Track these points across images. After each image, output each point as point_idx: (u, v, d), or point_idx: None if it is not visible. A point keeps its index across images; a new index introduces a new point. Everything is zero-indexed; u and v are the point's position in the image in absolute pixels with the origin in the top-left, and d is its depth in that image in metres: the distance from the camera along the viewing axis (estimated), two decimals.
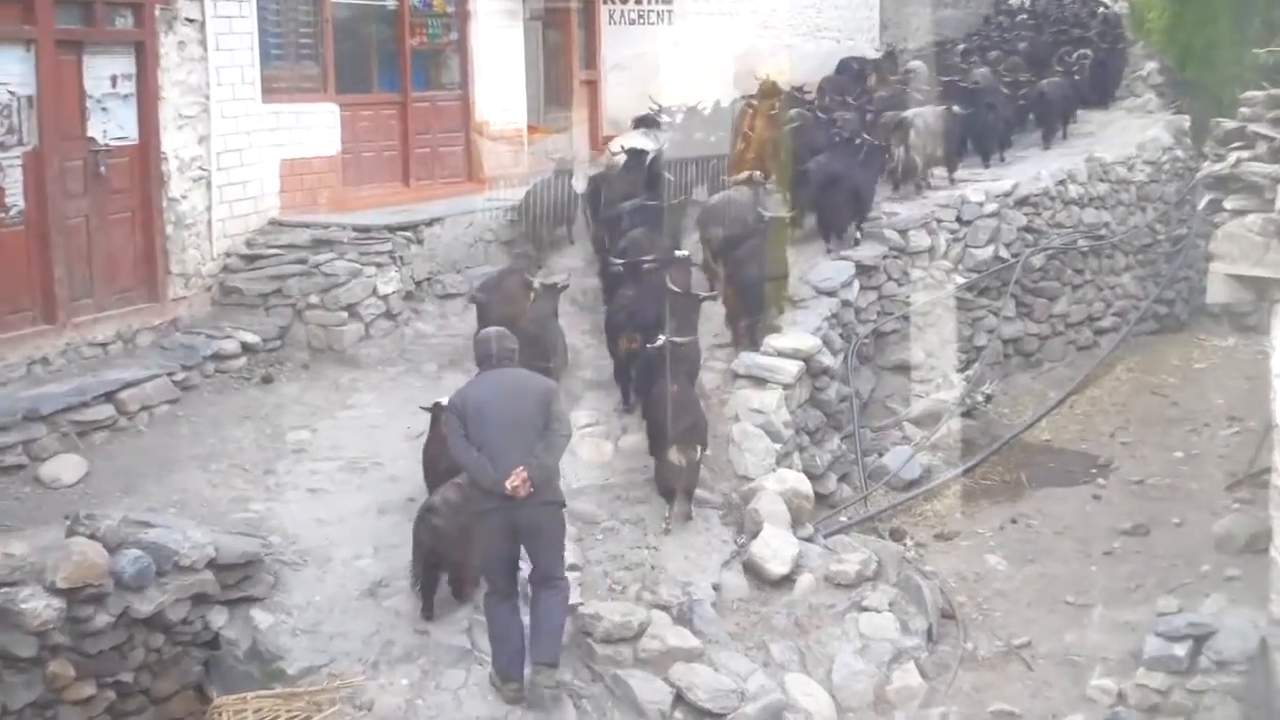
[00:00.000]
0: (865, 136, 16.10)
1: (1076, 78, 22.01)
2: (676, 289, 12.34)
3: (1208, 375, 17.32)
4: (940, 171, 17.82)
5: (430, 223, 15.30)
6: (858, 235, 15.74)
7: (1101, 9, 27.74)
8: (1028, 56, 23.06)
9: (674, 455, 11.09)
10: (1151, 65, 24.66)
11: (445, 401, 9.87)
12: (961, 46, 25.47)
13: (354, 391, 13.19)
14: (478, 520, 8.97)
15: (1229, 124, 11.55)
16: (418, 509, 9.86)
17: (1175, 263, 19.45)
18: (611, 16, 21.06)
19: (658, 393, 11.37)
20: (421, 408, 10.89)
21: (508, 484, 8.62)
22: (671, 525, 11.11)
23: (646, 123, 18.23)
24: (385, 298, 14.33)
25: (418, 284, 14.91)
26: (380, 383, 13.41)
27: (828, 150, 15.96)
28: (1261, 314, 13.25)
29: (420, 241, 15.03)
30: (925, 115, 17.56)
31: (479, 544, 9.10)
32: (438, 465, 10.16)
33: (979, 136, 19.09)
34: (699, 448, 11.29)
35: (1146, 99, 23.42)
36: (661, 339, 11.55)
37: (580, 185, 16.61)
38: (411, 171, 16.85)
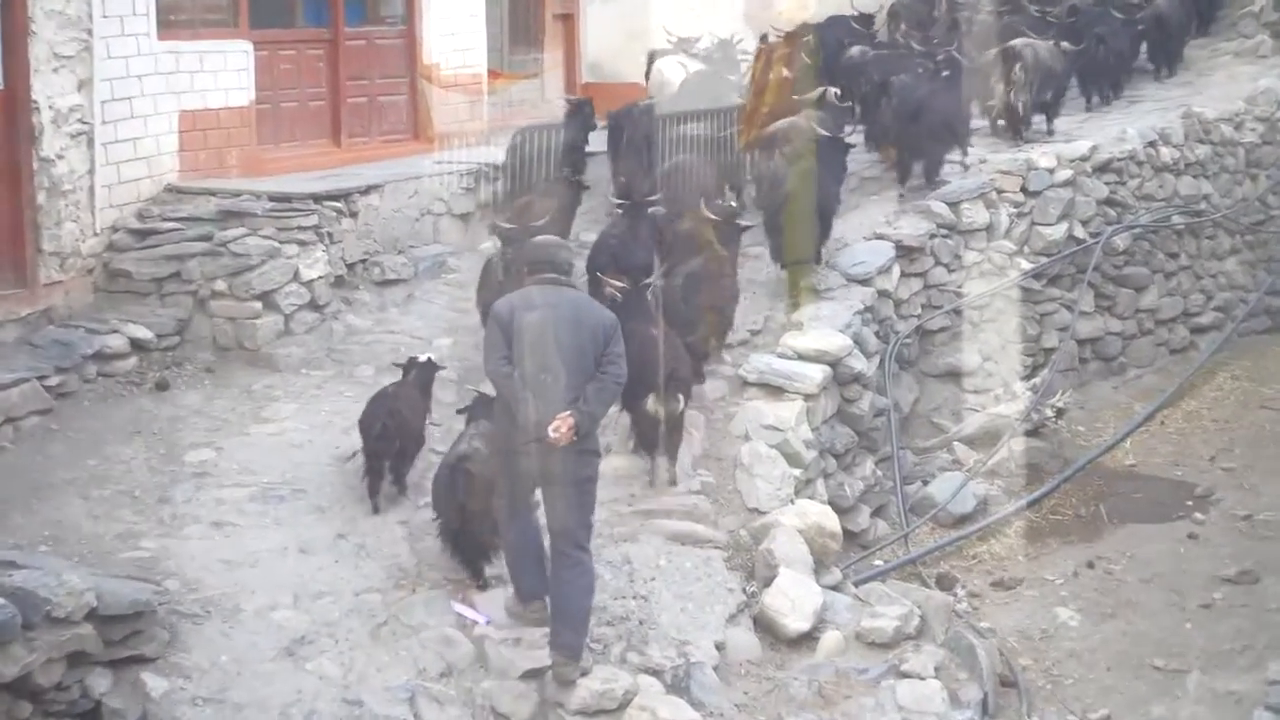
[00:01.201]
0: (954, 54, 17.23)
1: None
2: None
3: None
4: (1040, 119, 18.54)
5: (366, 191, 15.35)
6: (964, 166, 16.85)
7: None
8: None
9: (651, 405, 11.57)
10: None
11: (424, 359, 11.24)
12: None
13: (270, 401, 13.18)
14: (501, 460, 9.44)
15: None
16: (440, 464, 10.60)
17: None
18: None
19: (634, 337, 11.50)
20: (395, 364, 11.46)
21: (550, 430, 8.92)
22: (655, 484, 11.82)
23: (684, 45, 18.96)
24: (309, 284, 14.34)
25: (350, 267, 14.95)
26: (303, 390, 13.41)
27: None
28: None
29: (353, 214, 15.07)
30: (1037, 48, 18.13)
31: (505, 479, 9.49)
32: (410, 428, 11.16)
33: (1087, 74, 19.84)
34: (681, 398, 11.76)
35: (1259, 40, 23.45)
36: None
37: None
38: (343, 126, 16.96)
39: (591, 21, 20.96)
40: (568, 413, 8.97)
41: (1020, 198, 16.75)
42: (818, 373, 13.02)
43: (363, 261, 15.11)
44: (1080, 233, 17.08)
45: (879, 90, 17.72)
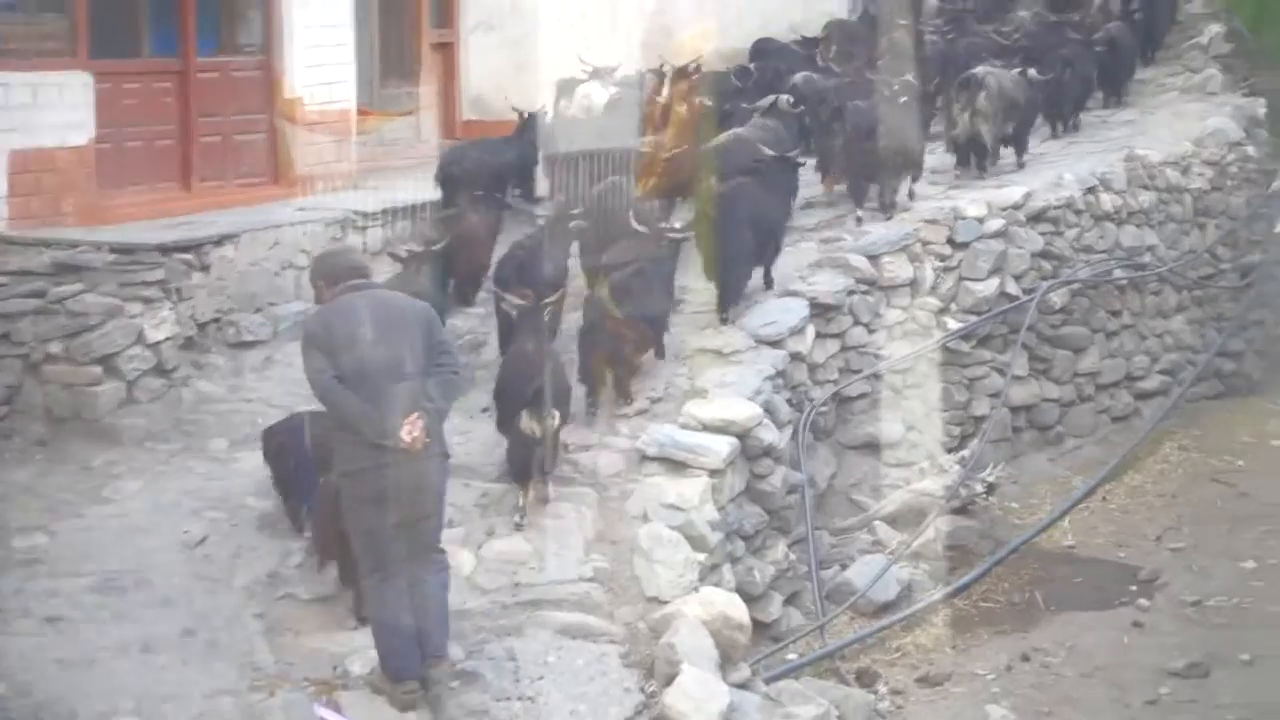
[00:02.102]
0: (908, 79, 18.07)
1: (1138, 16, 23.14)
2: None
3: None
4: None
5: (220, 241, 15.36)
6: (910, 195, 17.60)
7: None
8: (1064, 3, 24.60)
9: (525, 422, 12.09)
10: (1214, 29, 25.30)
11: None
12: None
13: (111, 478, 13.14)
14: (355, 482, 9.59)
15: None
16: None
17: (1245, 301, 19.99)
18: None
19: (511, 352, 12.94)
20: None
21: (404, 435, 9.26)
22: (526, 516, 12.15)
23: (601, 74, 19.43)
24: (156, 346, 14.34)
25: (201, 327, 14.94)
26: (148, 465, 13.37)
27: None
28: None
29: (205, 268, 15.09)
30: (1000, 77, 18.88)
31: (357, 513, 9.69)
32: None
33: (1052, 102, 20.73)
34: (557, 416, 12.24)
35: (1207, 75, 24.00)
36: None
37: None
38: (195, 169, 16.96)
39: (472, 51, 21.04)
40: (416, 414, 9.33)
41: (947, 250, 16.98)
42: (724, 446, 13.03)
43: (215, 321, 15.09)
44: (1013, 288, 17.31)
45: (831, 116, 18.38)
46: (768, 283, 15.82)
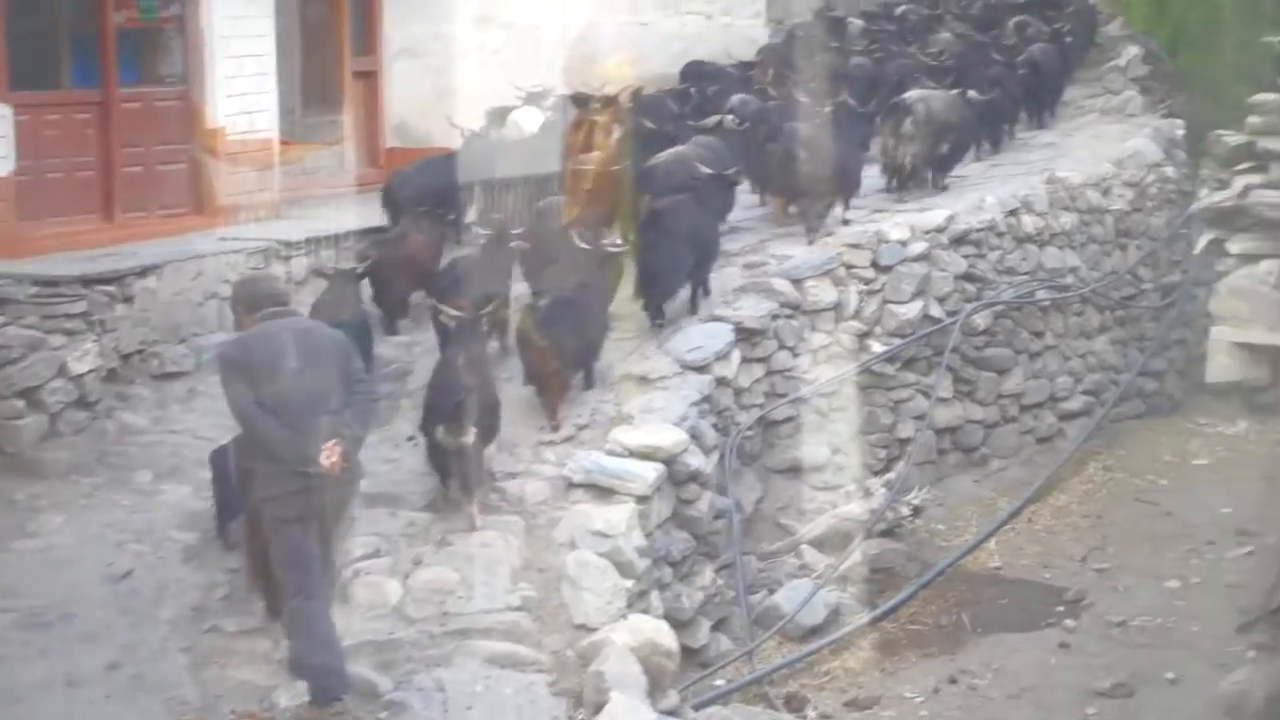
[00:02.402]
0: (844, 100, 18.91)
1: (1069, 40, 23.50)
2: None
3: (1211, 474, 17.85)
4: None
5: (143, 272, 15.30)
6: (846, 217, 17.90)
7: None
8: (978, 23, 25.12)
9: (440, 435, 12.56)
10: (1132, 52, 25.60)
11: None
12: (901, 9, 27.41)
13: (33, 512, 13.06)
14: (275, 506, 9.83)
15: (1233, 138, 12.00)
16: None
17: (1167, 321, 20.12)
18: None
19: (438, 364, 13.41)
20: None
21: (323, 460, 9.56)
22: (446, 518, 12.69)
23: (535, 99, 19.90)
24: (78, 379, 14.26)
25: (125, 359, 14.88)
26: (72, 499, 13.30)
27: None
28: None
29: (128, 299, 15.01)
30: (931, 100, 19.20)
31: (278, 536, 9.92)
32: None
33: (982, 122, 21.08)
34: (473, 431, 12.50)
35: (1127, 97, 24.25)
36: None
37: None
38: (116, 200, 16.85)
39: (396, 79, 21.03)
40: (334, 440, 9.60)
41: (870, 273, 17.01)
42: (651, 472, 13.08)
43: (139, 352, 15.02)
44: (936, 311, 17.37)
45: (768, 137, 18.65)
46: (694, 307, 15.91)
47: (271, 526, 9.97)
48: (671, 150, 17.67)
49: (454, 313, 13.58)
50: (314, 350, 9.86)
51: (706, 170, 16.58)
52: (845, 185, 18.28)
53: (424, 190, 17.88)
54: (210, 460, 12.44)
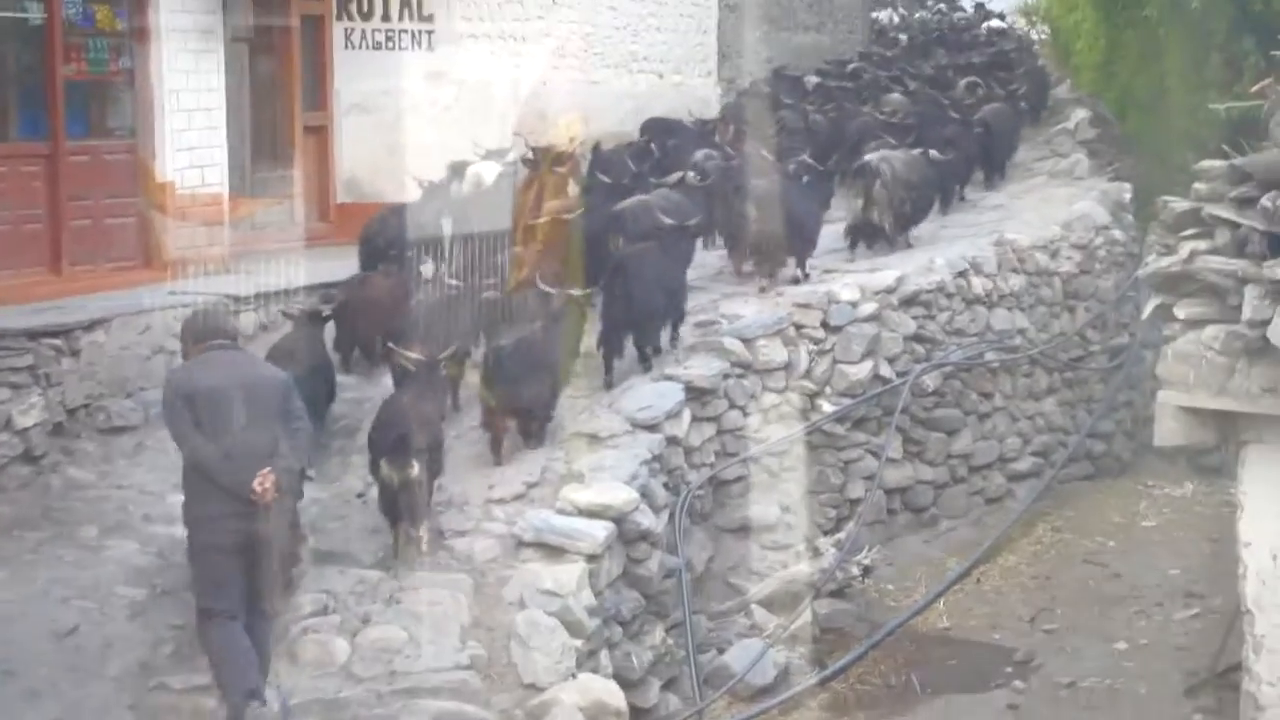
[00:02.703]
0: (806, 159, 19.20)
1: (1024, 105, 23.84)
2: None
3: (1159, 535, 17.92)
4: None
5: (90, 326, 15.19)
6: (799, 273, 18.33)
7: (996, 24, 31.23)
8: (933, 84, 25.52)
9: (384, 470, 12.89)
10: (1080, 115, 25.83)
11: None
12: (853, 66, 27.94)
13: None
14: (206, 528, 10.48)
15: (1180, 204, 12.09)
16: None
17: (1114, 383, 20.25)
18: (349, 38, 21.35)
19: (385, 401, 13.93)
20: None
21: (256, 486, 10.19)
22: (398, 560, 12.85)
23: (494, 155, 19.95)
24: (23, 433, 14.14)
25: (71, 413, 14.76)
26: (16, 554, 13.14)
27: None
28: (1228, 452, 13.79)
29: (75, 353, 14.92)
30: (893, 161, 19.48)
31: (203, 557, 10.58)
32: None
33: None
34: (416, 465, 12.81)
35: (1075, 160, 24.45)
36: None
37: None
38: (64, 253, 16.75)
39: (346, 135, 21.04)
40: (267, 469, 10.24)
41: (821, 334, 17.06)
42: (601, 531, 13.06)
43: (85, 406, 14.92)
44: (886, 371, 17.41)
45: (731, 194, 18.76)
46: (645, 366, 15.98)
47: (196, 547, 10.62)
48: (636, 198, 17.87)
49: (412, 356, 14.00)
50: (253, 383, 10.61)
51: (669, 221, 16.69)
52: (805, 243, 18.48)
53: (398, 236, 17.95)
54: None
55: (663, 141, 22.80)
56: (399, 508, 12.92)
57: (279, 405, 10.64)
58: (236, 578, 10.49)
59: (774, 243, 18.13)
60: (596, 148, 20.93)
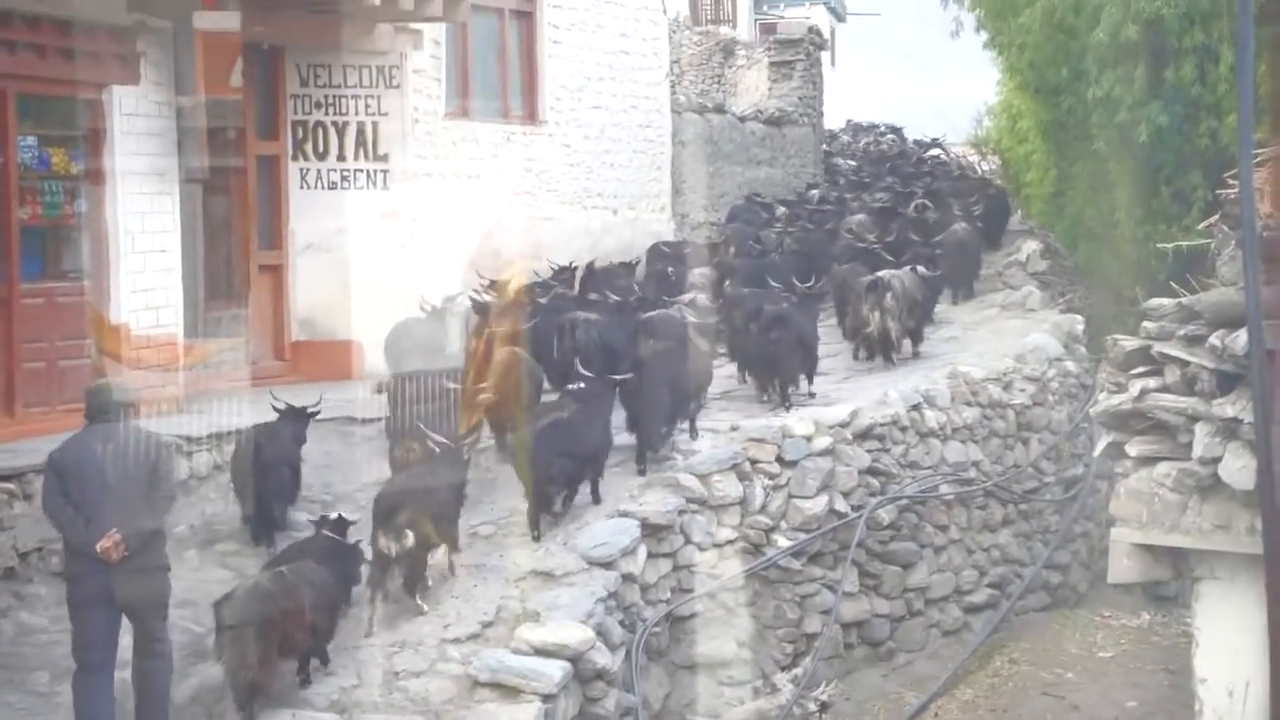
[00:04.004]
0: (796, 283, 20.55)
1: (980, 225, 24.47)
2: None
3: (1116, 667, 17.91)
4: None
5: (43, 469, 15.14)
6: (811, 389, 19.56)
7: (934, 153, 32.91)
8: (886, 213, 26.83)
9: (381, 541, 13.94)
10: (1032, 246, 26.10)
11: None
12: (815, 193, 30.96)
13: None
14: (70, 583, 11.92)
15: (1129, 342, 12.25)
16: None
17: (1069, 514, 20.34)
18: (304, 178, 21.46)
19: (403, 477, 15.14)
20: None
21: (99, 545, 11.44)
22: (372, 629, 13.72)
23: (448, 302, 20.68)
24: None
25: (23, 557, 14.70)
26: None
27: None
28: (1184, 584, 13.90)
29: (28, 496, 14.86)
30: (902, 278, 20.77)
31: (72, 609, 11.84)
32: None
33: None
34: (410, 535, 13.90)
35: (1027, 292, 24.67)
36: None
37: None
38: (18, 395, 16.79)
39: (301, 274, 21.13)
40: (114, 530, 11.43)
41: (776, 468, 17.14)
42: (557, 670, 13.06)
43: (38, 550, 14.83)
44: (841, 505, 17.47)
45: (749, 317, 20.01)
46: (595, 497, 16.21)
47: (70, 604, 11.87)
48: (659, 311, 19.26)
49: (439, 439, 15.44)
50: (123, 454, 11.84)
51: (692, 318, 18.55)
52: (813, 362, 19.90)
53: (421, 343, 18.99)
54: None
55: (664, 266, 24.28)
56: (386, 577, 14.01)
57: (144, 472, 11.89)
58: (101, 631, 11.71)
59: (788, 362, 19.26)
60: (590, 266, 22.72)
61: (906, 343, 21.84)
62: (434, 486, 14.73)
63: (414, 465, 15.63)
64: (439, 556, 14.78)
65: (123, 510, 11.59)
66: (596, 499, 16.06)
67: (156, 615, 11.99)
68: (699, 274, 22.81)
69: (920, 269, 22.25)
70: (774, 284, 21.15)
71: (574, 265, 22.93)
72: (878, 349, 21.48)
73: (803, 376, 19.58)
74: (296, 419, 16.48)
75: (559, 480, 15.72)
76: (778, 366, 19.41)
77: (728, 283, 22.74)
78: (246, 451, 16.01)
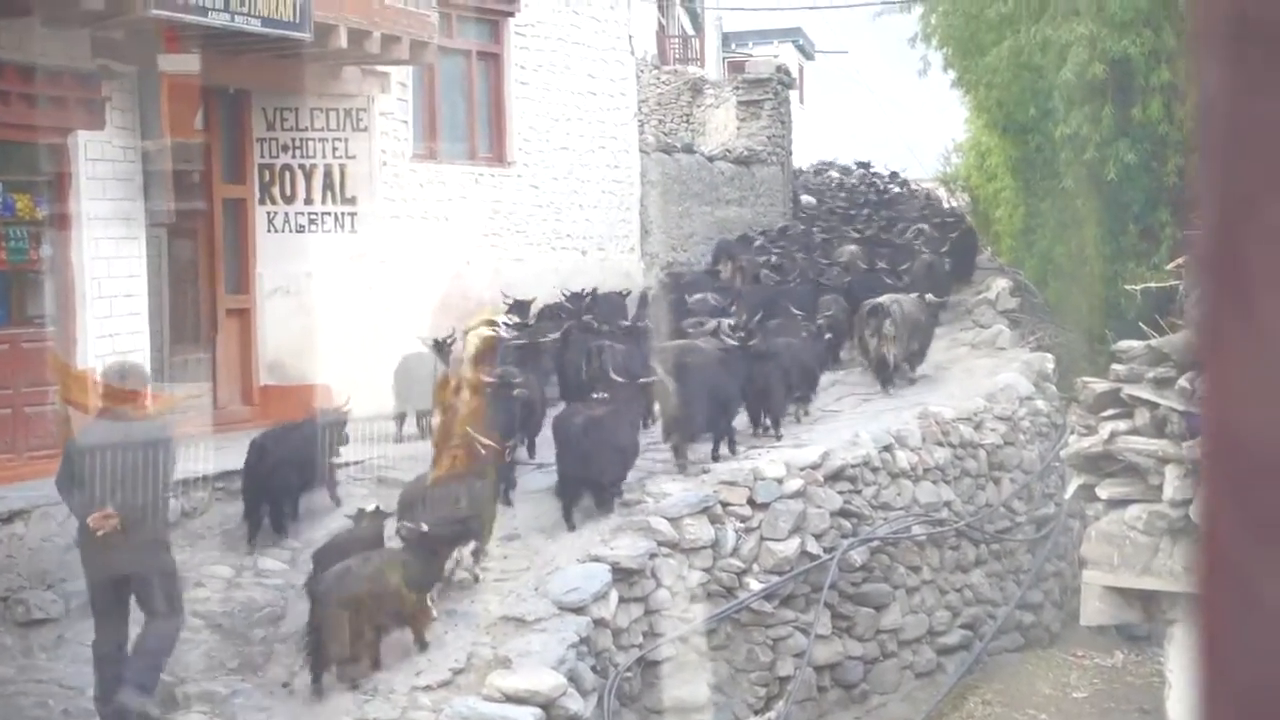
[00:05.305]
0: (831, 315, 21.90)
1: (949, 256, 25.05)
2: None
3: (1090, 707, 18.02)
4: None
5: (9, 517, 15.22)
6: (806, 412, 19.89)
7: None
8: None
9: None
10: (1001, 285, 26.17)
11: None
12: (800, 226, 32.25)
13: None
14: (80, 549, 12.93)
15: (1099, 385, 12.33)
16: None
17: (1042, 554, 20.41)
18: (271, 221, 21.47)
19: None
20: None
21: (90, 520, 12.20)
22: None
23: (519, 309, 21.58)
24: None
25: None
26: None
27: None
28: (1157, 623, 13.96)
29: None
30: (902, 302, 21.18)
31: (85, 571, 12.90)
32: None
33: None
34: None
35: (997, 331, 24.75)
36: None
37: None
38: None
39: (269, 316, 21.13)
40: (107, 506, 12.22)
41: (747, 511, 17.14)
42: (528, 717, 12.99)
43: (4, 599, 14.82)
44: (813, 547, 17.45)
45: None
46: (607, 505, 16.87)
47: (84, 570, 12.98)
48: (686, 342, 19.95)
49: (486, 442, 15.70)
50: (129, 440, 12.58)
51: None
52: (813, 390, 21.14)
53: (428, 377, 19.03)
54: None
55: (679, 294, 25.11)
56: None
57: (148, 456, 12.56)
58: (111, 599, 12.70)
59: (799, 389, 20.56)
60: (594, 293, 23.58)
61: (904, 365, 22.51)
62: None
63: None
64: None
65: (126, 489, 12.36)
66: (609, 506, 16.86)
67: (159, 590, 12.61)
68: (698, 299, 23.91)
69: (929, 296, 23.01)
70: (796, 311, 22.39)
71: (585, 291, 23.92)
72: (881, 372, 22.11)
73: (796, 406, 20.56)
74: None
75: (590, 476, 16.57)
76: (774, 397, 19.97)
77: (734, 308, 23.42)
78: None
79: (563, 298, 23.69)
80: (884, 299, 22.10)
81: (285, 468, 16.79)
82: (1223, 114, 1.41)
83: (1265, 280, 1.38)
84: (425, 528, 14.39)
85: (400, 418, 20.23)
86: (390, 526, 15.24)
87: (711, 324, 20.80)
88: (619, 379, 17.30)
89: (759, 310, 22.10)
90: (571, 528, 16.11)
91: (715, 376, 18.69)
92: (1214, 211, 1.42)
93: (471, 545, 15.18)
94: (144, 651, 12.58)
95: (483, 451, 15.62)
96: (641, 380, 17.65)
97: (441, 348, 19.13)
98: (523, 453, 18.48)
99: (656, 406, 18.95)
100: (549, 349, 20.60)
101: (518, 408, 17.90)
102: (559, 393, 20.28)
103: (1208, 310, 1.41)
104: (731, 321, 20.77)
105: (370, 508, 15.36)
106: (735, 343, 19.40)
